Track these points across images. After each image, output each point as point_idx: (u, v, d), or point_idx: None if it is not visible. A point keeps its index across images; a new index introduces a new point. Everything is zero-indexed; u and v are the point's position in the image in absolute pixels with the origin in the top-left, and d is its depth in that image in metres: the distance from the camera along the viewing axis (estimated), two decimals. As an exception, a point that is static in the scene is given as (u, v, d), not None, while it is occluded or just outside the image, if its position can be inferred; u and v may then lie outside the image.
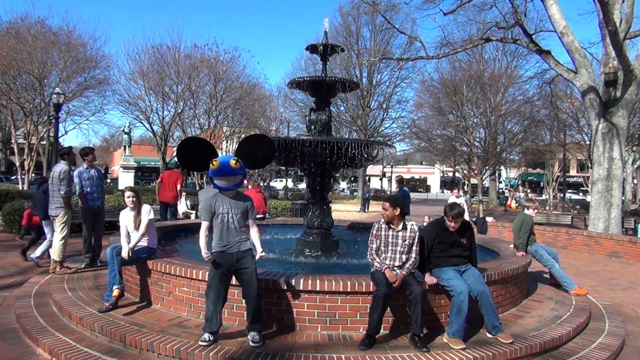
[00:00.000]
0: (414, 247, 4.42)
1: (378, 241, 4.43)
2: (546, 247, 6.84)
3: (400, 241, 4.42)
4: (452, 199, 11.92)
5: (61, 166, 6.71)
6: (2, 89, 21.55)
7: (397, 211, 4.42)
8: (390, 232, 4.43)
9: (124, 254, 4.88)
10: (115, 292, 4.76)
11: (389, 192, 40.24)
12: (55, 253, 6.38)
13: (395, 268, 4.33)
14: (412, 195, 53.49)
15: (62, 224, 6.54)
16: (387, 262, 4.34)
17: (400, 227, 4.44)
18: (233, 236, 4.14)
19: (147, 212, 5.22)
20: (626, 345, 4.74)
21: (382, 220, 4.53)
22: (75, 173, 6.97)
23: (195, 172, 22.51)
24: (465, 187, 45.07)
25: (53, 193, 6.69)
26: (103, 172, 6.93)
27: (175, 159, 4.79)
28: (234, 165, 4.10)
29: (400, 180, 11.29)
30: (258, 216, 9.98)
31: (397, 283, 4.16)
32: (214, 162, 4.09)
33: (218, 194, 4.24)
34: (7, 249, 9.30)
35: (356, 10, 27.32)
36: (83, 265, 6.80)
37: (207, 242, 4.18)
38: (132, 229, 5.14)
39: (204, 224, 4.20)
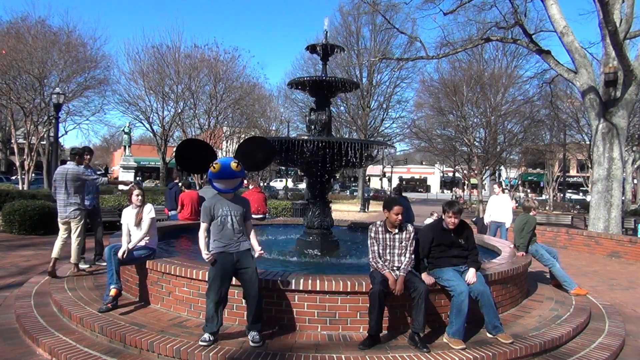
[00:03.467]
0: (410, 248, 4.43)
1: (377, 243, 4.43)
2: (546, 247, 6.84)
3: (397, 243, 4.42)
4: (493, 198, 10.82)
5: (78, 167, 6.65)
6: (2, 89, 21.54)
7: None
8: (388, 235, 4.44)
9: (120, 253, 4.88)
10: (112, 292, 4.76)
11: (389, 193, 40.21)
12: (72, 256, 6.35)
13: (394, 269, 4.33)
14: (412, 195, 53.47)
15: (80, 226, 6.48)
16: (387, 264, 4.35)
17: (397, 230, 4.44)
18: (232, 237, 4.15)
19: (149, 211, 5.20)
20: (626, 345, 4.74)
21: (379, 222, 4.53)
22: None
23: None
24: (465, 187, 45.10)
25: (69, 195, 6.40)
26: (103, 172, 6.91)
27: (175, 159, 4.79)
28: (235, 168, 4.11)
29: (399, 190, 11.34)
30: (259, 216, 10.01)
31: (398, 287, 4.16)
32: (214, 165, 4.10)
33: (217, 196, 4.25)
34: (7, 249, 9.29)
35: (356, 10, 27.29)
36: (85, 266, 6.78)
37: (206, 244, 4.20)
38: (132, 225, 5.14)
39: (203, 226, 4.22)
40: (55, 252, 6.31)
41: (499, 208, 10.51)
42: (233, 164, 4.11)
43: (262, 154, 4.67)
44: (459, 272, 4.47)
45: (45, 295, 5.46)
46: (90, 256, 7.12)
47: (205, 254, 4.12)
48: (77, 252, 6.37)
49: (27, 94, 22.43)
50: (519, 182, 47.37)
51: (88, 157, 7.15)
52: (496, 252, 6.72)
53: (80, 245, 6.42)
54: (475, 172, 32.91)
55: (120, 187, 6.32)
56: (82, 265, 6.78)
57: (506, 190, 12.95)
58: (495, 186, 11.07)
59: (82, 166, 6.95)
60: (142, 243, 5.12)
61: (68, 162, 6.79)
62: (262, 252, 4.28)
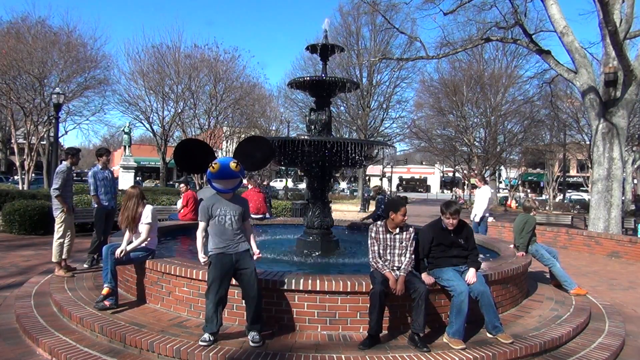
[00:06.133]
0: (410, 248, 4.43)
1: (378, 243, 4.43)
2: (546, 247, 6.84)
3: (398, 243, 4.43)
4: (477, 191, 10.69)
5: (61, 166, 6.70)
6: (2, 89, 21.54)
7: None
8: (388, 235, 4.44)
9: (117, 253, 4.88)
10: (104, 291, 4.74)
11: (389, 193, 40.20)
12: (53, 255, 6.37)
13: (394, 269, 4.34)
14: (412, 195, 53.13)
15: (59, 225, 6.50)
16: (387, 264, 4.35)
17: (398, 230, 4.45)
18: (231, 237, 4.14)
19: (147, 217, 5.13)
20: (626, 345, 4.74)
21: (380, 222, 4.54)
22: (90, 173, 7.00)
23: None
24: (465, 187, 45.07)
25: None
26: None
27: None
28: (234, 168, 4.10)
29: (378, 191, 11.74)
30: (258, 216, 10.01)
31: (399, 287, 4.16)
32: (213, 165, 4.09)
33: (215, 196, 4.24)
34: (7, 249, 9.29)
35: (356, 10, 27.36)
36: (84, 265, 6.80)
37: (203, 245, 4.19)
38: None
39: (201, 225, 4.20)
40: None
41: (477, 200, 10.44)
42: (232, 164, 4.10)
43: (261, 154, 4.67)
44: (459, 272, 4.47)
45: (45, 295, 5.46)
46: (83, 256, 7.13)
47: (201, 257, 4.11)
48: (56, 251, 6.37)
49: (27, 94, 22.43)
50: (519, 182, 47.36)
51: (104, 158, 7.13)
52: (496, 252, 6.72)
53: (59, 244, 6.41)
54: (475, 172, 32.92)
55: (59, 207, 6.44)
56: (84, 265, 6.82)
57: (489, 182, 13.07)
58: (477, 180, 10.93)
59: (98, 167, 7.04)
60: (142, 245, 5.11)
61: (63, 162, 6.80)
62: (260, 254, 4.26)
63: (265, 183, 13.77)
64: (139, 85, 27.87)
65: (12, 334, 4.51)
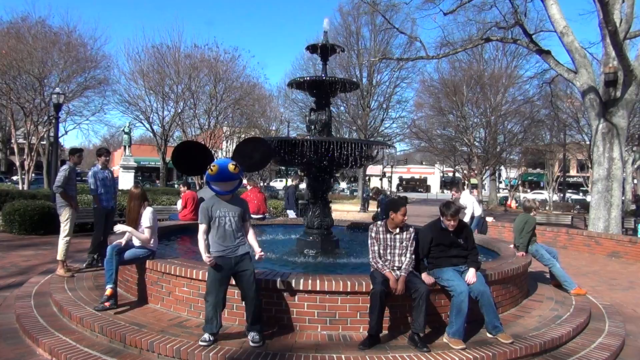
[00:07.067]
0: (410, 248, 4.43)
1: (378, 243, 4.43)
2: (546, 247, 6.84)
3: (398, 243, 4.43)
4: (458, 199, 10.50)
5: (64, 165, 6.71)
6: (2, 89, 21.54)
7: None
8: (389, 235, 4.44)
9: (122, 241, 4.91)
10: (108, 292, 4.74)
11: (389, 193, 40.17)
12: (58, 252, 6.38)
13: (395, 269, 4.34)
14: (412, 195, 53.08)
15: (65, 223, 6.51)
16: (387, 264, 4.35)
17: (398, 230, 4.45)
18: (231, 240, 4.14)
19: (146, 220, 5.14)
20: (626, 345, 4.74)
21: (380, 222, 4.54)
22: (90, 173, 7.00)
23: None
24: (465, 187, 45.02)
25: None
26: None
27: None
28: (232, 171, 4.09)
29: (378, 192, 11.98)
30: (258, 216, 10.01)
31: (399, 287, 4.16)
32: (212, 167, 4.08)
33: (214, 198, 4.23)
34: (7, 249, 9.29)
35: (356, 10, 27.42)
36: (84, 265, 6.80)
37: (206, 246, 4.16)
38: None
39: (202, 228, 4.16)
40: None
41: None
42: (231, 166, 4.10)
43: (260, 155, 4.66)
44: (459, 272, 4.47)
45: (45, 295, 5.46)
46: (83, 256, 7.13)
47: (206, 257, 4.07)
48: (63, 249, 6.38)
49: (27, 94, 22.43)
50: (519, 182, 47.37)
51: (103, 158, 7.12)
52: (496, 252, 6.72)
53: (66, 242, 6.43)
54: (475, 172, 32.96)
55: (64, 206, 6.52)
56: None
57: (467, 187, 13.48)
58: (452, 192, 10.99)
59: (98, 167, 7.02)
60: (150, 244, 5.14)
61: (67, 162, 6.81)
62: (263, 253, 4.24)
63: (294, 183, 13.66)
64: (139, 85, 27.88)
65: (12, 334, 4.51)
